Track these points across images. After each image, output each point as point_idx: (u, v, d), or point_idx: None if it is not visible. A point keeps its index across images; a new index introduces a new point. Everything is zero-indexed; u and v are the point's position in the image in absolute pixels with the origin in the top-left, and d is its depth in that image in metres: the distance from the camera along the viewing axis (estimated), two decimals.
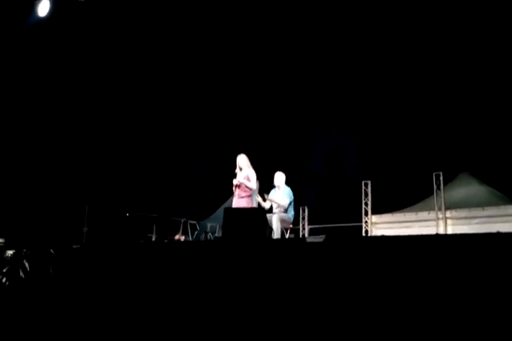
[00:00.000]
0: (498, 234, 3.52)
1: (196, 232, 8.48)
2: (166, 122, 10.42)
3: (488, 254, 3.11)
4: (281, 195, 5.99)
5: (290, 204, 5.88)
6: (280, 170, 6.29)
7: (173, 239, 7.99)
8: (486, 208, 7.46)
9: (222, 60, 10.45)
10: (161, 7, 9.38)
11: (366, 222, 8.36)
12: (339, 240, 3.91)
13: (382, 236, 3.85)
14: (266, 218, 4.52)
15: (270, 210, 5.97)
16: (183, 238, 8.04)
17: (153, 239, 7.79)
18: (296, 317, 3.11)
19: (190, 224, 8.65)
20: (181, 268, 4.12)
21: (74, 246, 5.13)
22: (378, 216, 8.46)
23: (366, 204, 8.52)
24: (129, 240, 6.91)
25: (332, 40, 9.86)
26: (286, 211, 5.89)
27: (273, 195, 6.05)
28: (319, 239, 4.04)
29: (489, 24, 8.18)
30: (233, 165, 5.99)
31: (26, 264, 5.09)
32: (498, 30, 8.09)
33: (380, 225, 8.31)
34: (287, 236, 6.00)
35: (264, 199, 5.95)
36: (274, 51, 10.16)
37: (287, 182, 6.15)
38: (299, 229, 8.67)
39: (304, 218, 8.91)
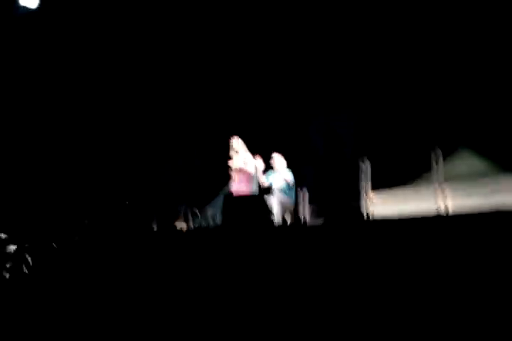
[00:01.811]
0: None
1: (197, 219, 8.48)
2: (160, 109, 10.34)
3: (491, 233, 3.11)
4: (281, 177, 5.95)
5: (290, 188, 5.86)
6: (279, 152, 6.23)
7: (175, 226, 8.00)
8: (485, 181, 7.44)
9: (212, 41, 10.30)
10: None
11: (365, 199, 8.35)
12: (337, 222, 3.92)
13: (381, 220, 3.85)
14: (268, 205, 4.51)
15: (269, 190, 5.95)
16: (184, 225, 8.05)
17: (155, 227, 7.80)
18: (298, 305, 3.13)
19: (190, 211, 8.65)
20: (183, 259, 4.14)
21: (75, 239, 5.14)
22: (377, 192, 8.44)
23: (364, 181, 8.50)
24: (129, 230, 6.94)
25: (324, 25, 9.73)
26: (288, 192, 5.85)
27: (271, 178, 6.02)
28: (318, 222, 4.05)
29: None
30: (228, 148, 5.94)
31: (29, 259, 5.11)
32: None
33: (379, 201, 8.30)
34: (287, 218, 6.01)
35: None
36: (267, 33, 10.01)
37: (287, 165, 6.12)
38: (298, 210, 8.65)
39: (303, 199, 8.89)
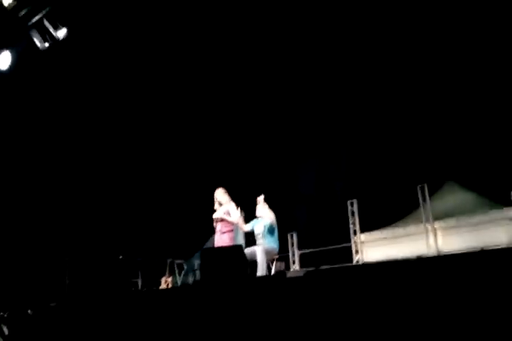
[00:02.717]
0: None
1: (184, 272, 8.26)
2: (141, 158, 10.30)
3: (480, 272, 2.98)
4: (262, 223, 5.81)
5: (271, 234, 5.70)
6: (267, 196, 6.12)
7: (160, 282, 7.74)
8: (473, 215, 7.35)
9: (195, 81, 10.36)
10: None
11: (355, 241, 8.21)
12: (320, 273, 3.77)
13: (363, 265, 3.71)
14: (244, 255, 4.36)
15: (254, 241, 5.81)
16: (170, 280, 7.80)
17: (139, 284, 7.55)
18: None
19: (177, 263, 8.43)
20: (166, 318, 3.96)
21: (51, 304, 4.94)
22: (368, 234, 8.31)
23: (354, 223, 8.38)
24: (111, 291, 6.67)
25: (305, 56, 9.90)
26: (271, 238, 5.68)
27: (255, 226, 5.89)
28: (299, 273, 3.90)
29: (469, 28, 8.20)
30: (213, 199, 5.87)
31: (4, 329, 4.88)
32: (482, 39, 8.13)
33: (370, 243, 8.15)
34: (274, 266, 5.83)
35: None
36: (253, 73, 10.10)
37: (275, 209, 6.00)
38: (288, 255, 8.47)
39: (292, 244, 8.73)
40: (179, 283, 8.06)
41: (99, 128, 9.94)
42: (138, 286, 7.78)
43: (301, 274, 3.80)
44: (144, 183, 10.09)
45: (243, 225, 5.76)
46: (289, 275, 3.97)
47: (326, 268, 4.35)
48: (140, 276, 7.92)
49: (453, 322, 2.79)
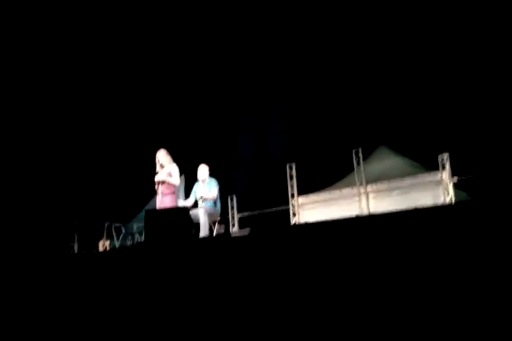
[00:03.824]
0: (416, 209, 3.66)
1: (122, 235, 8.14)
2: (81, 119, 9.89)
3: (409, 231, 3.18)
4: (207, 187, 5.84)
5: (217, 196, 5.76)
6: (204, 162, 6.13)
7: (97, 245, 7.61)
8: (404, 178, 7.75)
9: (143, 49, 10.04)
10: None
11: (293, 204, 8.44)
12: (263, 232, 3.86)
13: (304, 224, 3.85)
14: (189, 216, 4.38)
15: (196, 204, 5.82)
16: (108, 243, 7.67)
17: (75, 248, 7.37)
18: (225, 318, 3.03)
19: (115, 227, 8.28)
20: (105, 280, 3.90)
21: None
22: (305, 197, 8.56)
23: (292, 186, 8.59)
24: (47, 253, 6.48)
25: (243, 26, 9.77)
26: (214, 203, 5.75)
27: (197, 189, 5.90)
28: (244, 232, 3.98)
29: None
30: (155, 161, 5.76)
31: None
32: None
33: (307, 206, 8.43)
34: (215, 229, 5.89)
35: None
36: (194, 41, 9.90)
37: (216, 172, 6.03)
38: (228, 218, 8.58)
39: (232, 207, 8.84)
40: (117, 246, 7.95)
41: None
42: (74, 250, 7.59)
43: (246, 233, 3.88)
44: (83, 145, 9.72)
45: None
46: (234, 235, 4.04)
47: (269, 228, 4.48)
48: (76, 240, 7.72)
49: (385, 278, 2.97)
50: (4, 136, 9.02)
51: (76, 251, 7.31)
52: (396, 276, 2.91)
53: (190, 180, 6.48)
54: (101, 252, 6.76)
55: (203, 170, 5.98)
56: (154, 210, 4.91)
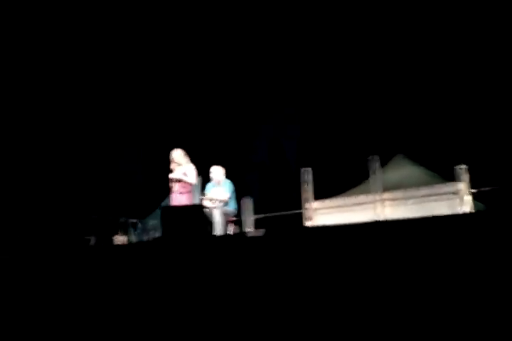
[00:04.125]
0: (434, 217, 3.67)
1: (138, 231, 8.25)
2: (101, 118, 10.07)
3: (424, 237, 3.20)
4: (221, 189, 5.91)
5: (231, 197, 5.83)
6: (220, 163, 6.21)
7: (113, 240, 7.73)
8: (420, 188, 7.73)
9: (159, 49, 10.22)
10: None
11: (307, 208, 8.47)
12: (278, 233, 3.91)
13: (321, 227, 3.88)
14: (205, 214, 4.45)
15: None
16: (123, 238, 7.79)
17: (92, 241, 7.49)
18: (240, 317, 3.07)
19: (131, 222, 8.40)
20: (121, 274, 3.97)
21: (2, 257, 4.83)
22: (319, 202, 8.58)
23: (307, 191, 8.62)
24: (65, 245, 6.60)
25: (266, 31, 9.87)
26: (227, 204, 5.84)
27: (211, 190, 5.97)
28: (259, 232, 4.03)
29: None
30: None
31: None
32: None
33: (322, 211, 8.44)
34: (230, 229, 5.96)
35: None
36: (212, 43, 10.04)
37: (230, 174, 6.10)
38: (241, 220, 8.63)
39: (247, 209, 8.87)
40: (133, 242, 8.06)
41: None
42: (91, 243, 7.72)
43: (261, 234, 3.93)
44: (101, 142, 9.89)
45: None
46: (249, 235, 4.09)
47: (285, 229, 4.52)
48: (93, 233, 7.85)
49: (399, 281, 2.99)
50: (27, 132, 9.23)
51: (93, 245, 7.44)
52: (407, 282, 2.93)
53: (206, 181, 6.56)
54: (118, 245, 6.87)
55: (218, 172, 6.03)
56: (170, 207, 4.99)
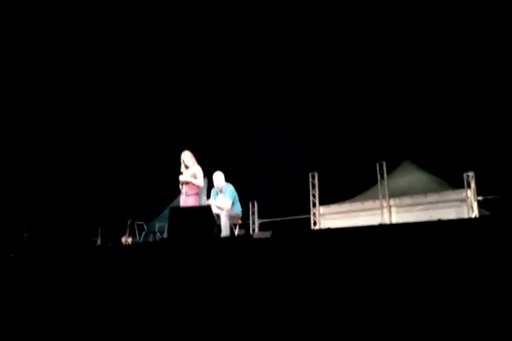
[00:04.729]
0: (440, 221, 3.66)
1: (144, 233, 8.27)
2: (109, 121, 10.15)
3: (431, 242, 3.19)
4: (224, 197, 5.87)
5: (233, 202, 5.80)
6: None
7: (120, 241, 7.76)
8: (427, 195, 7.71)
9: (169, 54, 10.30)
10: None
11: (314, 213, 8.46)
12: (286, 235, 3.91)
13: (327, 229, 3.89)
14: (213, 216, 4.45)
15: None
16: (130, 240, 7.82)
17: (98, 242, 7.52)
18: (245, 317, 3.08)
19: (137, 224, 8.42)
20: (127, 273, 3.99)
21: (12, 255, 4.87)
22: (326, 207, 8.58)
23: (314, 195, 8.62)
24: (71, 245, 6.63)
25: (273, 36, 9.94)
26: (236, 203, 5.80)
27: (215, 197, 5.94)
28: (266, 234, 4.03)
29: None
30: (179, 162, 5.87)
31: None
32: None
33: (328, 216, 8.43)
34: (236, 232, 5.94)
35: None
36: (221, 48, 10.11)
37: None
38: (248, 223, 8.65)
39: (253, 213, 8.90)
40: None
41: None
42: (97, 244, 7.76)
43: (268, 236, 3.93)
44: (109, 144, 9.96)
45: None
46: (255, 236, 4.10)
47: (293, 231, 4.52)
48: (100, 234, 7.88)
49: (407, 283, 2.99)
50: (37, 135, 9.32)
51: (99, 245, 7.46)
52: (407, 284, 2.92)
53: (212, 183, 6.56)
54: (125, 246, 6.90)
55: (219, 178, 5.99)
56: (178, 208, 5.00)
